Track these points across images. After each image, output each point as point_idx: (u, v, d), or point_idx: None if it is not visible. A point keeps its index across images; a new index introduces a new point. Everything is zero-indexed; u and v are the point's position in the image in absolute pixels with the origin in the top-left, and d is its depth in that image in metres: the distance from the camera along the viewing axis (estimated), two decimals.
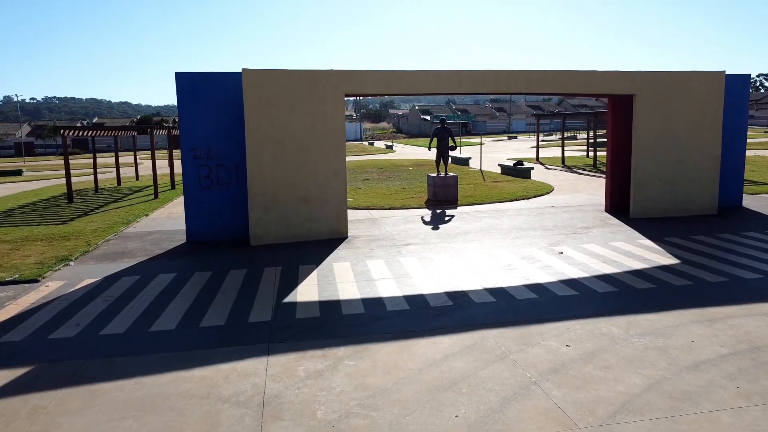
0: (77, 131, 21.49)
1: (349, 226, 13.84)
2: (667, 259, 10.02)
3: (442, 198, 17.52)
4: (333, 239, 12.44)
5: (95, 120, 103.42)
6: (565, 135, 69.84)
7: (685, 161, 14.03)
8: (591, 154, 34.90)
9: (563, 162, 30.57)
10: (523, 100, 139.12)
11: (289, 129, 12.11)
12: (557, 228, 13.01)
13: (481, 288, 8.57)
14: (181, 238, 13.03)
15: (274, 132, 12.04)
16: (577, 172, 25.94)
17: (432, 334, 6.81)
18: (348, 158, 44.05)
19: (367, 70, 12.48)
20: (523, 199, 17.85)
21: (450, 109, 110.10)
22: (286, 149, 12.12)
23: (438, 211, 15.94)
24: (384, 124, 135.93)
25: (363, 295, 8.42)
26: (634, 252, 10.60)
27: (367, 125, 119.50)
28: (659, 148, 13.91)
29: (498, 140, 69.51)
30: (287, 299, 8.37)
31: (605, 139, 45.21)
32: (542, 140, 66.75)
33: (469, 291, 8.44)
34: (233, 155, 12.73)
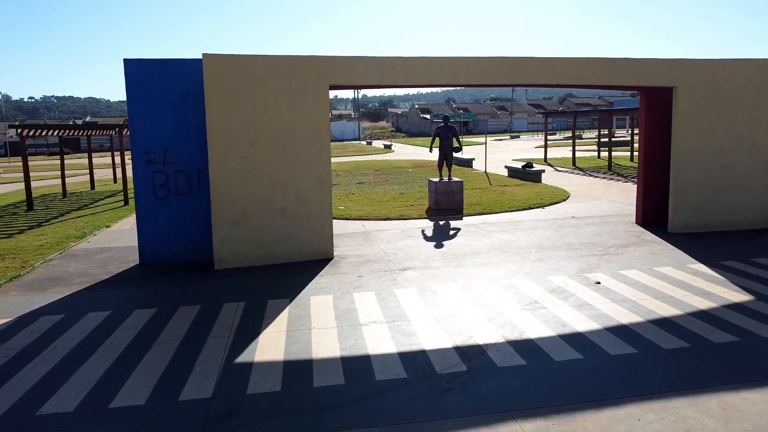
0: (35, 130, 19.31)
1: (337, 242, 11.68)
2: (735, 294, 7.86)
3: (445, 206, 15.37)
4: (315, 261, 10.28)
5: (88, 118, 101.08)
6: (570, 135, 67.71)
7: (734, 166, 11.87)
8: (603, 154, 32.76)
9: (574, 163, 28.41)
10: (525, 98, 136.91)
11: (263, 128, 9.95)
12: (585, 246, 10.85)
13: (502, 340, 6.40)
14: (135, 259, 10.87)
15: (243, 131, 9.88)
16: (591, 175, 23.78)
17: (439, 428, 4.66)
18: (344, 159, 41.97)
19: (357, 57, 10.32)
20: (538, 207, 15.69)
21: (450, 108, 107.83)
22: (258, 152, 9.96)
23: (441, 223, 13.77)
24: (383, 123, 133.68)
25: (344, 351, 6.25)
26: (690, 282, 8.44)
27: (365, 124, 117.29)
28: (703, 151, 11.75)
29: (500, 139, 67.37)
30: (242, 357, 6.21)
31: (619, 139, 42.83)
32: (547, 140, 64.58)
33: (487, 345, 6.27)
34: (195, 159, 10.56)
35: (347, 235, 12.62)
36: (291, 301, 8.09)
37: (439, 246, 11.26)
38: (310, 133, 10.15)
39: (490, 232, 12.46)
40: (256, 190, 10.01)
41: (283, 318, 7.39)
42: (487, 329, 6.74)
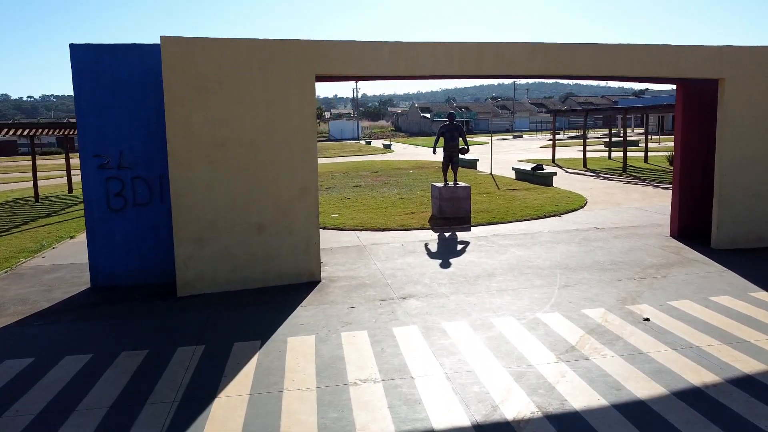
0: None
1: (327, 258, 10.01)
2: None
3: (450, 214, 13.70)
4: (299, 285, 8.61)
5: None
6: (575, 134, 65.93)
7: None
8: (614, 155, 31.10)
9: (585, 164, 26.73)
10: (526, 97, 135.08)
11: (234, 126, 8.28)
12: (618, 267, 9.18)
13: (537, 413, 4.73)
14: (88, 281, 9.20)
15: (210, 131, 8.21)
16: (605, 178, 22.11)
17: None
18: (342, 159, 40.29)
19: (348, 41, 8.65)
20: (554, 215, 14.01)
21: (451, 107, 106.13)
22: (229, 156, 8.29)
23: (447, 235, 12.10)
24: (383, 123, 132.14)
25: (324, 431, 4.58)
26: (761, 319, 6.77)
27: (365, 123, 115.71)
28: (755, 153, 10.08)
29: (503, 139, 65.70)
30: None
31: (629, 138, 41.14)
32: (550, 139, 62.97)
33: (519, 423, 4.60)
34: (157, 163, 8.89)
35: (339, 249, 10.95)
36: (263, 344, 6.42)
37: (445, 265, 9.59)
38: (293, 132, 8.48)
39: (504, 246, 10.78)
40: (227, 202, 8.34)
41: (248, 371, 5.72)
42: (515, 394, 5.06)
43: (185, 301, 8.12)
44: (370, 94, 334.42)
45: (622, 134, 26.09)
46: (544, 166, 21.56)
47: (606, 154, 32.86)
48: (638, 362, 5.64)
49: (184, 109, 8.07)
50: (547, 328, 6.60)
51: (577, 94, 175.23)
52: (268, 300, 8.03)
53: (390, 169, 28.53)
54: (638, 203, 15.68)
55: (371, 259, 10.11)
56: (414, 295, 7.99)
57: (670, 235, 11.30)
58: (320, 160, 37.76)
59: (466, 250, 10.63)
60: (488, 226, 12.86)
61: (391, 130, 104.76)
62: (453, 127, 14.08)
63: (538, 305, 7.43)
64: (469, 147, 14.47)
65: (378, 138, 79.52)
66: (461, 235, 12.01)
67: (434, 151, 14.89)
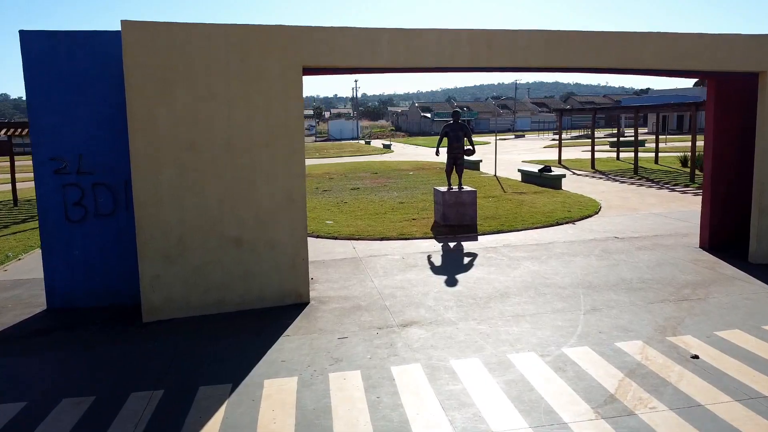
0: None
1: (318, 273, 8.89)
2: None
3: (454, 221, 12.57)
4: (283, 308, 7.49)
5: None
6: (578, 134, 64.75)
7: None
8: (622, 156, 29.99)
9: (593, 166, 25.59)
10: (527, 96, 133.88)
11: (207, 126, 7.15)
12: (649, 285, 8.06)
13: None
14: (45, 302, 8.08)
15: (179, 130, 7.08)
16: (615, 180, 20.98)
17: None
18: (340, 159, 39.10)
19: (341, 28, 7.52)
20: (567, 222, 12.89)
21: (451, 106, 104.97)
22: (201, 160, 7.17)
23: (451, 246, 10.97)
24: (383, 122, 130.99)
25: None
26: None
27: (364, 123, 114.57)
28: None
29: (505, 139, 64.54)
30: None
31: (632, 138, 40.00)
32: (553, 139, 61.89)
33: None
34: (122, 168, 7.76)
35: (332, 263, 9.82)
36: (234, 388, 5.30)
37: (451, 282, 8.46)
38: (276, 133, 7.35)
39: (516, 260, 9.65)
40: (198, 213, 7.21)
41: (212, 428, 4.60)
42: None
43: (151, 328, 7.00)
44: (370, 93, 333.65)
45: (632, 134, 24.93)
46: (552, 168, 20.42)
47: (612, 154, 31.75)
48: (697, 420, 4.51)
49: (148, 105, 6.94)
50: (577, 369, 5.48)
51: (577, 94, 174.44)
52: (246, 327, 6.90)
53: (389, 170, 27.41)
54: (656, 208, 14.55)
55: (368, 275, 8.98)
56: (416, 322, 6.86)
57: (700, 247, 10.17)
58: (318, 161, 36.66)
59: (474, 263, 9.51)
60: (496, 235, 11.73)
61: (391, 130, 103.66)
62: (458, 127, 12.93)
63: (563, 336, 6.30)
64: (475, 148, 13.31)
65: (378, 138, 78.39)
66: (467, 246, 10.89)
67: (437, 153, 13.74)
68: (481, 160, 26.85)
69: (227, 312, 7.37)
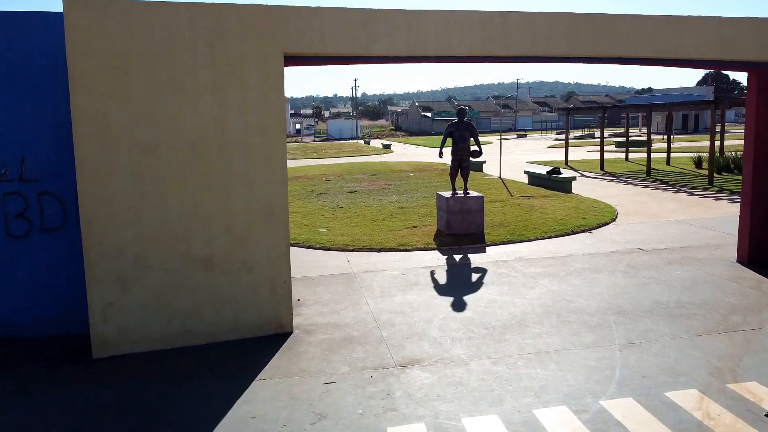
0: None
1: (306, 292, 7.73)
2: None
3: (459, 230, 11.42)
4: (261, 339, 6.33)
5: None
6: (581, 134, 63.52)
7: None
8: (630, 156, 28.85)
9: (602, 167, 24.43)
10: (528, 95, 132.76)
11: (169, 124, 6.00)
12: (688, 310, 6.90)
13: None
14: None
15: (136, 130, 5.93)
16: (628, 182, 19.82)
17: None
18: (339, 160, 37.88)
19: (330, 8, 6.38)
20: (583, 230, 11.73)
21: (452, 105, 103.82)
22: (162, 165, 6.01)
23: (457, 258, 9.82)
24: (382, 122, 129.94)
25: None
26: None
27: (364, 123, 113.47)
28: None
29: (507, 138, 63.34)
30: None
31: (642, 138, 38.73)
32: (556, 138, 60.76)
33: None
34: (73, 174, 6.59)
35: (323, 279, 8.67)
36: None
37: (459, 305, 7.30)
38: (253, 132, 6.20)
39: (532, 277, 8.50)
40: (159, 228, 6.06)
41: None
42: None
43: (101, 367, 5.85)
44: (369, 93, 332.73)
45: (636, 134, 23.77)
46: (561, 170, 19.26)
47: (620, 155, 30.61)
48: None
49: (98, 99, 5.79)
50: (618, 430, 4.32)
51: (578, 93, 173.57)
52: (214, 366, 5.75)
53: (389, 171, 26.25)
54: (677, 215, 13.39)
55: (363, 295, 7.82)
56: (419, 360, 5.71)
57: (738, 262, 9.01)
58: (316, 161, 35.52)
59: (484, 281, 8.35)
60: (507, 246, 10.58)
61: (391, 130, 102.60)
62: (463, 126, 11.75)
63: (599, 382, 5.15)
64: (482, 149, 12.13)
65: (377, 137, 77.24)
66: (475, 259, 9.73)
67: (440, 154, 12.50)
68: (484, 161, 25.67)
69: (194, 345, 6.22)
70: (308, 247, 10.91)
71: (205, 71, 6.03)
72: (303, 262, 9.77)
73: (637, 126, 73.05)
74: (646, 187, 18.59)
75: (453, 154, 11.89)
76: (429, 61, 7.00)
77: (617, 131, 59.49)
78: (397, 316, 6.96)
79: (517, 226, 12.18)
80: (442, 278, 8.67)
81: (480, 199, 11.62)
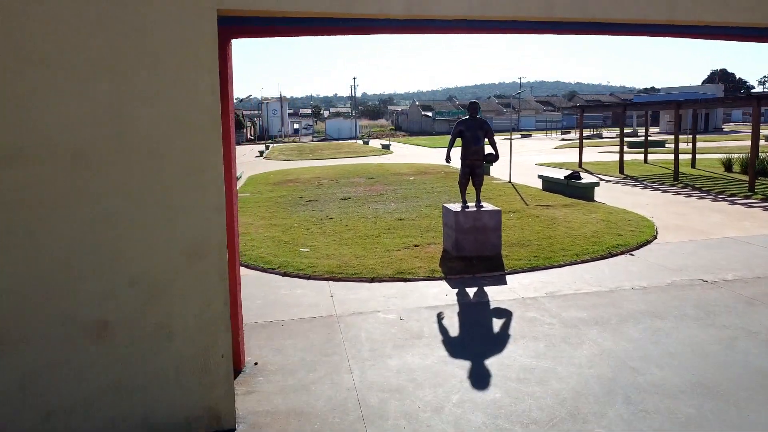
0: None
1: (265, 353, 5.58)
2: None
3: (471, 252, 9.30)
4: None
5: None
6: (588, 133, 61.31)
7: None
8: (648, 158, 26.74)
9: (621, 170, 22.29)
10: (530, 94, 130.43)
11: (44, 120, 3.87)
12: None
13: None
14: None
15: None
16: (654, 188, 17.69)
17: None
18: (335, 161, 35.60)
19: None
20: (622, 252, 9.61)
21: (453, 105, 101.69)
22: (32, 183, 3.89)
23: (471, 294, 7.69)
24: (382, 122, 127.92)
25: None
26: None
27: (363, 122, 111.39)
28: None
29: (509, 139, 61.17)
30: None
31: (656, 138, 36.62)
32: (562, 139, 58.69)
33: None
34: None
35: (295, 326, 6.54)
36: None
37: (480, 380, 5.17)
38: (170, 133, 4.07)
39: (574, 325, 6.36)
40: (30, 279, 3.94)
41: None
42: None
43: None
44: (370, 93, 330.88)
45: (674, 133, 21.63)
46: (581, 174, 17.12)
47: (635, 156, 28.50)
48: None
49: None
50: None
51: (579, 93, 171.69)
52: None
53: (387, 174, 24.14)
54: (727, 230, 11.27)
55: (345, 357, 5.69)
56: None
57: None
58: (310, 163, 33.42)
59: (510, 334, 6.21)
60: (532, 275, 8.46)
61: (391, 129, 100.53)
62: (476, 124, 9.55)
63: None
64: (498, 152, 9.95)
65: (377, 137, 75.12)
66: (494, 294, 7.61)
67: (447, 158, 10.08)
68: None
69: None
70: (284, 274, 8.80)
71: (97, 40, 3.90)
72: (274, 297, 7.66)
73: (642, 126, 70.83)
74: (677, 194, 16.45)
75: (463, 158, 9.72)
76: (433, 28, 4.87)
77: (626, 131, 57.32)
78: (391, 398, 4.83)
79: (541, 245, 10.05)
80: (452, 327, 6.54)
81: (496, 215, 9.48)
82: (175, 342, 4.18)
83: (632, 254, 9.54)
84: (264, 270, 9.12)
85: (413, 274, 8.54)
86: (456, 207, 9.73)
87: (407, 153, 41.80)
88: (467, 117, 9.70)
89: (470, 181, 9.79)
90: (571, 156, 30.20)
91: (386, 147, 48.14)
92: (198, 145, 4.09)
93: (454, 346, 5.92)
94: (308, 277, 8.62)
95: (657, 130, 61.92)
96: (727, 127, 68.30)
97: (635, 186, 18.44)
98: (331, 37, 5.03)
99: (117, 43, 3.93)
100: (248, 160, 38.05)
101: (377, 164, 30.65)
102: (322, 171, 27.03)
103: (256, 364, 5.52)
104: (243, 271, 9.16)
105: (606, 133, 64.43)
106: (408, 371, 5.32)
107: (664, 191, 17.01)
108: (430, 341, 6.04)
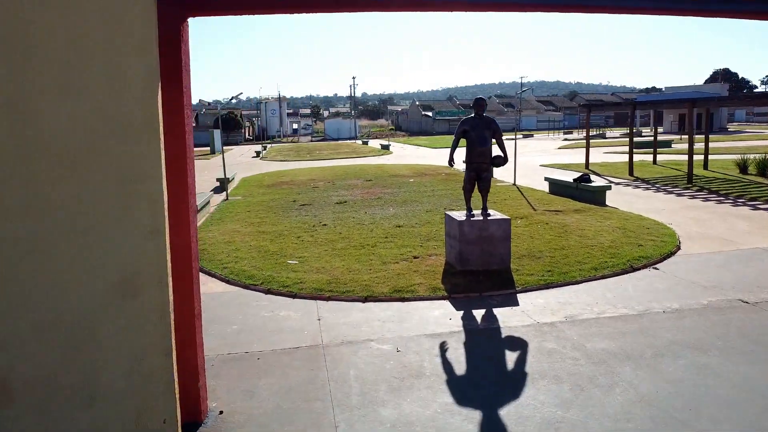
0: None
1: (239, 395, 4.57)
2: None
3: (477, 265, 8.32)
4: None
5: None
6: (592, 133, 60.22)
7: None
8: (657, 158, 25.74)
9: (631, 172, 21.30)
10: (532, 93, 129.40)
11: None
12: None
13: None
14: None
15: None
16: (668, 191, 16.70)
17: None
18: (333, 162, 34.56)
19: None
20: (645, 265, 8.62)
21: (453, 105, 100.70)
22: None
23: (478, 319, 6.71)
24: (382, 122, 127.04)
25: None
26: None
27: (363, 122, 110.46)
28: None
29: (512, 139, 60.26)
30: None
31: (662, 139, 35.54)
32: (565, 138, 57.69)
33: None
34: None
35: (272, 360, 5.56)
36: None
37: None
38: (92, 134, 3.09)
39: (602, 360, 5.38)
40: None
41: None
42: None
43: None
44: (370, 92, 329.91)
45: (688, 133, 20.65)
46: (591, 177, 16.13)
47: (642, 156, 27.47)
48: None
49: None
50: None
51: (580, 93, 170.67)
52: None
53: (386, 176, 23.16)
54: (757, 239, 10.29)
55: (329, 404, 4.71)
56: None
57: None
58: (307, 164, 32.44)
59: (527, 371, 5.23)
60: (546, 293, 7.48)
61: (391, 129, 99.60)
62: (483, 123, 8.56)
63: None
64: (507, 155, 8.95)
65: (377, 137, 74.12)
66: (505, 318, 6.63)
67: (451, 160, 8.96)
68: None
69: None
70: (267, 292, 7.83)
71: (13, 18, 2.92)
72: (252, 321, 6.68)
73: (645, 126, 69.90)
74: (693, 197, 15.46)
75: (468, 161, 8.72)
76: (426, 5, 3.90)
77: (640, 130, 56.37)
78: None
79: (554, 257, 9.07)
80: (458, 362, 5.55)
81: (505, 224, 8.50)
82: (96, 407, 3.20)
83: (656, 268, 8.56)
84: (245, 286, 8.15)
85: (412, 292, 7.55)
86: (460, 215, 8.75)
87: (407, 153, 40.82)
88: (472, 115, 8.70)
89: (476, 186, 8.81)
90: (576, 157, 29.24)
91: (386, 147, 47.14)
92: (126, 150, 3.11)
93: (461, 390, 4.94)
94: (294, 296, 7.64)
95: (661, 129, 60.88)
96: (731, 127, 67.40)
97: (647, 189, 17.45)
98: (303, 15, 4.04)
99: (16, 16, 2.95)
100: (244, 160, 37.10)
101: (376, 165, 29.67)
102: (318, 172, 26.06)
103: (221, 413, 4.54)
104: (221, 287, 8.20)
105: (609, 133, 63.44)
106: (405, 425, 4.34)
107: (679, 195, 16.02)
108: (431, 382, 5.06)
